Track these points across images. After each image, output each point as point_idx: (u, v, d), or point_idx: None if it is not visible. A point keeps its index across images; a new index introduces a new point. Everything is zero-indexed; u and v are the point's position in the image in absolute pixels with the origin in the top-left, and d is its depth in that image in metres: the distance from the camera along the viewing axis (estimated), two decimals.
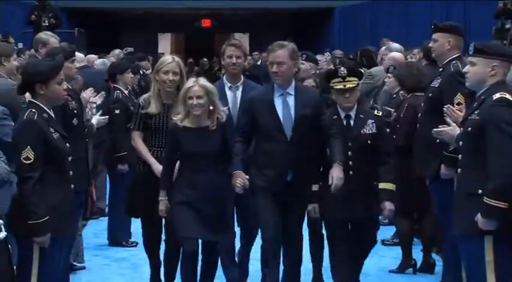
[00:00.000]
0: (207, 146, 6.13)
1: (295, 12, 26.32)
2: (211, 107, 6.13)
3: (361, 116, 6.27)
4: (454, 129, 5.45)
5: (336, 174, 6.00)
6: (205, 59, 26.10)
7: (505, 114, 4.85)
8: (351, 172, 6.14)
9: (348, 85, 6.13)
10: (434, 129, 5.67)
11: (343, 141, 6.11)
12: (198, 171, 6.15)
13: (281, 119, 6.17)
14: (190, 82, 6.17)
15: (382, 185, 6.25)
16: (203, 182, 6.12)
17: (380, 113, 6.47)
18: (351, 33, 23.01)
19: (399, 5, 20.99)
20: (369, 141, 6.22)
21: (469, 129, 5.02)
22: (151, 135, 6.53)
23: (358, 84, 6.22)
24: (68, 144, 5.33)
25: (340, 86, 6.14)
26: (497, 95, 4.91)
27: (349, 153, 6.18)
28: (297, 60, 6.50)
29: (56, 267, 5.31)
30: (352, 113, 6.26)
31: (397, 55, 9.10)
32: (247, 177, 6.04)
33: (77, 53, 9.78)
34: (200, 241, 6.28)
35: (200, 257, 6.39)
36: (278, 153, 6.15)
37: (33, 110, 5.17)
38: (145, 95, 6.64)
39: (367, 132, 6.22)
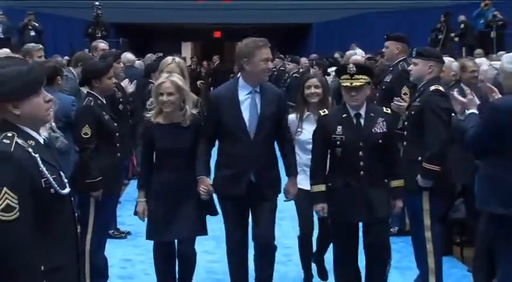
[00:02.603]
0: (179, 143, 4.70)
1: (284, 27, 26.26)
2: (182, 104, 4.74)
3: (371, 114, 4.61)
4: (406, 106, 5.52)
5: (293, 191, 4.85)
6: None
7: (439, 101, 4.89)
8: (362, 172, 4.52)
9: (355, 83, 4.51)
10: (395, 102, 5.72)
11: (354, 141, 4.55)
12: (171, 169, 4.71)
13: (246, 119, 4.64)
14: (162, 78, 4.76)
15: (394, 183, 4.68)
16: (176, 180, 4.71)
17: (389, 110, 4.76)
18: (325, 42, 22.98)
19: (361, 22, 21.06)
20: (380, 141, 4.56)
21: (412, 112, 5.07)
22: None
23: (367, 82, 4.56)
24: (115, 124, 5.33)
25: (347, 84, 4.54)
26: (433, 87, 4.96)
27: (360, 153, 4.51)
28: None
29: (106, 214, 5.35)
30: (362, 112, 4.61)
31: (358, 58, 9.09)
32: (211, 182, 4.70)
33: (127, 55, 9.90)
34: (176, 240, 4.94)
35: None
36: (241, 153, 4.63)
37: (90, 98, 5.18)
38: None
39: (378, 131, 4.57)
